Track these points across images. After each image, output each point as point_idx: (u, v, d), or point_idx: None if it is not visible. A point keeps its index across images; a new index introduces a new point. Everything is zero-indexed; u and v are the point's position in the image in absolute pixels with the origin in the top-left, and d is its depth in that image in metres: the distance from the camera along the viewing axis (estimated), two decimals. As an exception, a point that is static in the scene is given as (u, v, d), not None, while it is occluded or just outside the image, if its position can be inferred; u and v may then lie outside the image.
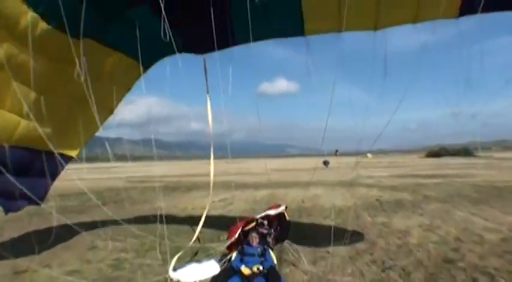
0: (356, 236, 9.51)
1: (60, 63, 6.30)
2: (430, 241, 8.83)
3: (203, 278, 6.41)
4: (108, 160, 11.53)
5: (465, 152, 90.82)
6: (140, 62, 6.93)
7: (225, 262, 6.79)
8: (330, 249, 8.41)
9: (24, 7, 5.53)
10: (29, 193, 6.32)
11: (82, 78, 5.55)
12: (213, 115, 8.66)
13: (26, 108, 5.86)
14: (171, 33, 5.82)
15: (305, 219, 12.36)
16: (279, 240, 7.51)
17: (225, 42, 7.40)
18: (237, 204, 16.53)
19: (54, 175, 7.69)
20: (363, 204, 15.08)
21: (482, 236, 9.13)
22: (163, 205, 15.26)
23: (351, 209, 14.16)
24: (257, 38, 7.05)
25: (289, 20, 6.67)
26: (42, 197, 7.65)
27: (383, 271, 6.78)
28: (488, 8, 5.68)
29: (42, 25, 5.85)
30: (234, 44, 7.66)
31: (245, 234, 7.10)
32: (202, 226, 9.45)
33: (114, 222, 10.82)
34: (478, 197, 16.33)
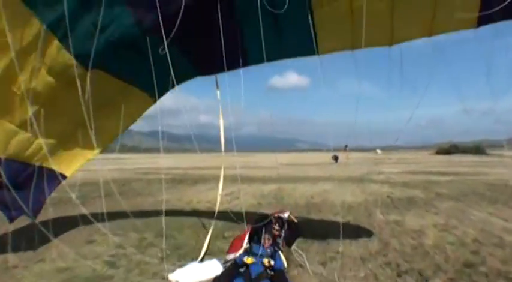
0: (368, 235, 9.05)
1: (64, 83, 6.13)
2: (447, 242, 8.31)
3: (204, 279, 6.01)
4: (117, 151, 11.23)
5: (476, 149, 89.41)
6: (157, 92, 6.89)
7: (228, 262, 6.38)
8: (341, 249, 7.97)
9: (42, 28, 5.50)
10: (24, 207, 6.37)
11: (83, 105, 5.59)
12: (223, 109, 8.26)
13: (30, 119, 5.96)
14: (184, 61, 6.25)
15: (314, 216, 11.89)
16: (289, 242, 7.06)
17: (237, 64, 7.28)
18: (244, 199, 16.14)
19: (48, 190, 7.60)
20: (374, 201, 14.55)
21: (502, 238, 8.59)
22: (168, 198, 14.98)
23: (362, 205, 13.68)
24: (270, 59, 7.14)
25: (303, 41, 6.45)
26: (36, 211, 7.47)
27: (399, 275, 6.31)
28: (507, 15, 5.40)
29: (56, 46, 5.78)
30: (247, 64, 7.64)
31: (254, 233, 6.71)
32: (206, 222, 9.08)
33: (116, 215, 10.53)
34: (493, 196, 15.69)
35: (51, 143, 7.00)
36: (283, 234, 6.71)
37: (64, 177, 7.99)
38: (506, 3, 4.65)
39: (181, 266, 6.63)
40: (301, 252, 7.07)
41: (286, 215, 7.02)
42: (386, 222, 10.69)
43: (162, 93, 8.21)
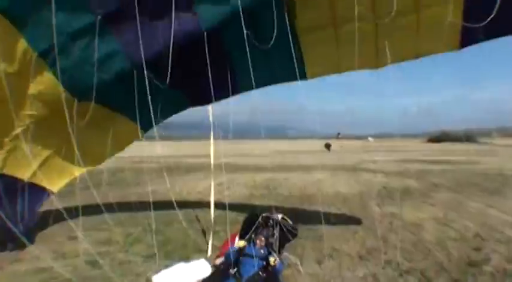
0: (365, 230, 8.67)
1: (54, 107, 6.28)
2: (448, 237, 7.96)
3: (191, 281, 5.55)
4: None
5: (467, 138, 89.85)
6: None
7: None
8: (337, 245, 7.58)
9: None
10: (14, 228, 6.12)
11: (70, 129, 5.70)
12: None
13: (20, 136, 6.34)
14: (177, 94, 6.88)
15: (308, 208, 11.48)
16: (283, 243, 6.54)
17: (227, 94, 7.64)
18: (236, 189, 15.71)
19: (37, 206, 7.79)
20: (369, 192, 14.20)
21: (504, 233, 8.26)
22: (157, 188, 14.44)
23: (357, 196, 13.33)
24: (260, 86, 7.45)
25: (291, 67, 6.43)
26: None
27: (400, 275, 5.91)
28: (489, 36, 5.62)
29: (46, 73, 6.04)
30: (238, 92, 7.88)
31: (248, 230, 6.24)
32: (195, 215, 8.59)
33: (100, 209, 9.99)
34: (489, 186, 15.43)
35: (41, 160, 7.36)
36: (276, 235, 6.19)
37: (52, 192, 8.11)
38: (486, 22, 4.73)
39: (167, 265, 6.18)
40: (296, 259, 6.57)
41: (279, 216, 6.52)
42: (382, 215, 10.33)
43: (151, 126, 8.08)
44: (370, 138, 78.98)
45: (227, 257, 5.62)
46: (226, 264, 5.62)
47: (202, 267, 5.77)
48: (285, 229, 6.11)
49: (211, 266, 5.82)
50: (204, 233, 8.50)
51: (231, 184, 17.06)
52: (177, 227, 8.94)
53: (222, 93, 7.50)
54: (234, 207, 11.02)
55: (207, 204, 9.73)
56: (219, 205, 9.77)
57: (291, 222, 6.33)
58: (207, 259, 6.22)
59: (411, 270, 6.14)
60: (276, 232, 6.11)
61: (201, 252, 7.10)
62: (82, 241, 7.49)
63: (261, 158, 37.32)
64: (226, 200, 9.29)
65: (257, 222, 6.19)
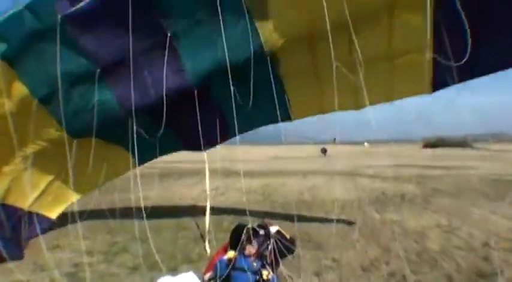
0: (365, 238, 8.20)
1: (54, 144, 6.81)
2: (454, 246, 7.49)
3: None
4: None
5: (463, 143, 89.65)
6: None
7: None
8: (337, 255, 7.10)
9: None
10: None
11: (69, 164, 6.13)
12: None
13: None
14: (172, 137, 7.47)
15: (305, 215, 10.97)
16: (278, 258, 5.92)
17: (220, 138, 7.79)
18: (230, 195, 15.19)
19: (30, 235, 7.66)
20: (367, 198, 13.73)
21: (512, 241, 7.83)
22: (149, 194, 13.86)
23: (355, 202, 12.86)
24: (249, 129, 8.29)
25: (277, 112, 6.64)
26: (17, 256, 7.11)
27: (407, 290, 5.45)
28: (460, 79, 5.76)
29: (47, 118, 6.40)
30: (229, 138, 8.36)
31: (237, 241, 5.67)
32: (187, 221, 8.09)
33: (89, 215, 9.44)
34: (490, 192, 14.99)
35: (40, 189, 7.65)
36: (269, 248, 5.59)
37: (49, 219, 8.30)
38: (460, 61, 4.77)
39: (152, 278, 5.66)
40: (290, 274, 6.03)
41: (273, 229, 5.95)
42: (383, 222, 9.87)
43: (146, 161, 9.24)
44: (366, 144, 78.52)
45: (215, 269, 5.10)
46: (215, 279, 5.11)
47: (190, 280, 5.25)
48: (280, 244, 5.53)
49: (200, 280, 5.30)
50: (203, 237, 8.03)
51: (226, 189, 16.54)
52: (165, 235, 8.42)
53: (212, 141, 8.08)
54: (229, 212, 10.52)
55: (200, 210, 9.22)
56: (213, 211, 9.26)
57: (288, 236, 5.75)
58: (195, 272, 5.68)
59: (418, 283, 5.68)
60: (270, 245, 5.55)
61: (190, 262, 6.60)
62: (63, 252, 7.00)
63: (256, 163, 36.78)
64: (224, 204, 8.76)
65: (244, 235, 5.62)
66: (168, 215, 10.71)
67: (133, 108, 5.50)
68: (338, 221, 10.08)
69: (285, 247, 5.48)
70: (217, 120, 7.26)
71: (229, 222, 9.06)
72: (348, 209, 11.74)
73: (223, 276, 4.98)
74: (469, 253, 7.11)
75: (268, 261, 5.31)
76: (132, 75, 5.50)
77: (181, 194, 15.37)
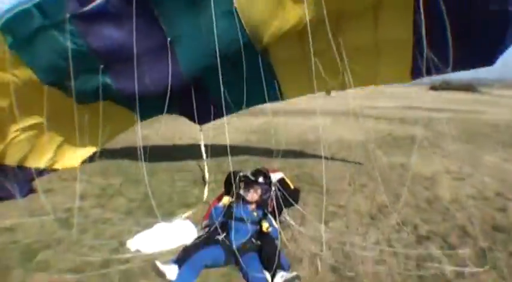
0: (373, 183, 7.80)
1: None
2: (466, 195, 7.09)
3: (171, 247, 4.67)
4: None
5: (468, 87, 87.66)
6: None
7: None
8: (343, 201, 6.72)
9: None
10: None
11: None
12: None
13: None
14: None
15: (309, 157, 10.54)
16: (282, 208, 5.47)
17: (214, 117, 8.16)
18: (231, 134, 14.70)
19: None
20: (374, 140, 13.22)
21: (528, 191, 7.41)
22: (147, 133, 13.40)
23: (361, 144, 12.38)
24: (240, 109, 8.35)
25: (268, 91, 6.95)
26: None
27: (419, 242, 5.07)
28: (437, 72, 6.03)
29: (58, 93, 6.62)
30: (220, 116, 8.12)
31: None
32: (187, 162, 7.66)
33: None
34: (501, 139, 14.47)
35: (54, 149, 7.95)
36: (270, 195, 5.11)
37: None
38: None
39: (147, 224, 5.30)
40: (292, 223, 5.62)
41: (278, 176, 5.42)
42: (391, 166, 9.44)
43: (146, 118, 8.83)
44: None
45: (211, 218, 4.69)
46: (211, 228, 4.73)
47: (187, 229, 4.89)
48: (284, 193, 5.05)
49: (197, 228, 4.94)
50: (204, 180, 7.68)
51: (225, 128, 16.02)
52: (163, 178, 8.05)
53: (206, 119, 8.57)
54: (230, 153, 10.11)
55: (195, 151, 8.76)
56: (213, 152, 8.80)
57: (292, 186, 5.24)
58: (192, 220, 5.31)
59: (431, 235, 5.30)
60: (271, 193, 5.06)
61: (188, 206, 6.24)
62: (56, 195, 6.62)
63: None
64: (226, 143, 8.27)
65: (235, 183, 5.14)
66: (167, 155, 10.29)
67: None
68: (344, 162, 9.67)
69: (288, 197, 5.00)
70: (211, 100, 7.33)
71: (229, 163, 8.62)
72: (354, 150, 11.30)
73: (218, 225, 4.57)
74: (482, 203, 6.72)
75: (269, 209, 4.88)
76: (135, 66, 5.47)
77: (181, 132, 14.88)
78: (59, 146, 8.01)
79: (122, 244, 4.83)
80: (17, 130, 6.77)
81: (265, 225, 4.60)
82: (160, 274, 3.90)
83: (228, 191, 5.33)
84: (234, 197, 5.09)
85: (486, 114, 25.79)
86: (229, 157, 5.35)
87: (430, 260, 4.56)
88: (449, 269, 4.34)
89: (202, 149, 8.28)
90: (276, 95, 8.15)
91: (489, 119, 22.62)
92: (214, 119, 8.31)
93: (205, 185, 7.34)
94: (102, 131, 7.11)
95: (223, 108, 5.98)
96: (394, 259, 4.57)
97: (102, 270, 4.20)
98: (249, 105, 8.06)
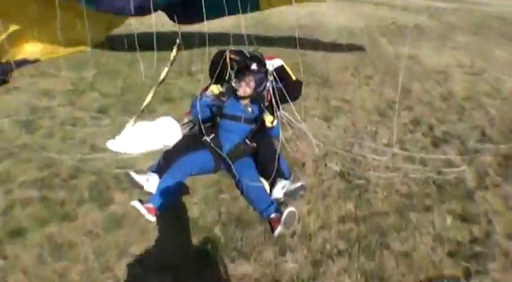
0: (380, 74, 6.97)
1: None
2: (481, 92, 6.39)
3: (154, 148, 3.92)
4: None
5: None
6: None
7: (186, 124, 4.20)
8: (348, 95, 5.94)
9: None
10: None
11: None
12: None
13: None
14: None
15: (308, 43, 9.33)
16: (279, 103, 4.41)
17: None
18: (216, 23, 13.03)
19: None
20: (377, 28, 11.94)
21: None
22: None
23: (364, 31, 11.17)
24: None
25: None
26: None
27: (435, 144, 4.47)
28: None
29: None
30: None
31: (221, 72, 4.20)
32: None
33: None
34: (510, 33, 13.33)
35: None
36: (266, 85, 4.08)
37: None
38: None
39: (123, 122, 4.48)
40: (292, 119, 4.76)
41: (277, 63, 4.31)
42: (397, 56, 8.48)
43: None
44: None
45: (195, 112, 3.79)
46: (194, 126, 3.93)
47: (170, 128, 4.09)
48: (281, 84, 4.06)
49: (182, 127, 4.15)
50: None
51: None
52: (143, 65, 6.94)
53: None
54: (217, 40, 8.84)
55: (185, 37, 7.53)
56: (199, 38, 7.54)
57: (293, 77, 4.21)
58: (175, 118, 4.45)
59: (447, 135, 4.69)
60: (268, 83, 4.05)
61: (170, 101, 5.36)
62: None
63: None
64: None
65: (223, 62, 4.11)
66: (148, 44, 8.92)
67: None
68: (347, 47, 8.63)
69: (289, 90, 4.06)
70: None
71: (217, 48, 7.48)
72: (356, 38, 10.17)
73: (205, 118, 3.76)
74: (499, 101, 6.05)
75: (266, 103, 3.99)
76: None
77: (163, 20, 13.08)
78: (43, 41, 7.14)
79: (94, 149, 4.07)
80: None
81: (268, 119, 3.81)
82: (138, 186, 3.24)
83: (216, 79, 4.33)
84: (223, 87, 4.15)
85: (493, 7, 23.94)
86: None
87: (449, 165, 4.01)
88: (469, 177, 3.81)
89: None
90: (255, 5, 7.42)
91: (496, 11, 20.96)
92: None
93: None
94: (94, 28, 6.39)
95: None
96: (409, 164, 3.99)
97: (71, 182, 3.51)
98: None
